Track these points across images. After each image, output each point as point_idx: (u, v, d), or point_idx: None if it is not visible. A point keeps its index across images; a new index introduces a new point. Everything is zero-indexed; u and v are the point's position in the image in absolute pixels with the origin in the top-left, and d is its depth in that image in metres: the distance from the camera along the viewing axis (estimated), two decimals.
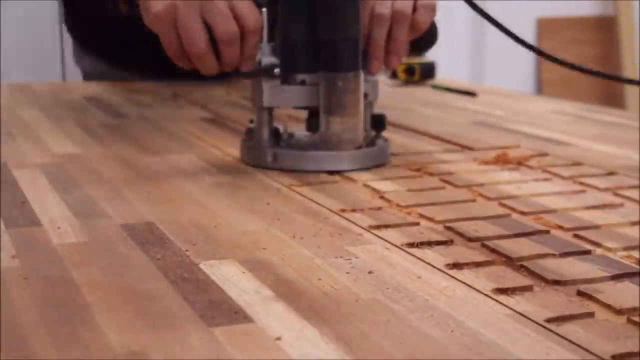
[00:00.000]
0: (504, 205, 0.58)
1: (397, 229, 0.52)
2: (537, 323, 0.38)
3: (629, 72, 2.78)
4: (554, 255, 0.47)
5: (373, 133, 0.72)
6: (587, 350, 0.36)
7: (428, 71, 1.24)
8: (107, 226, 0.52)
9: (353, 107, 0.68)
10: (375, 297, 0.41)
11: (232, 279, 0.43)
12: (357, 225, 0.53)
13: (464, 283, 0.43)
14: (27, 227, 0.52)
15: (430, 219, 0.54)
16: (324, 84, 0.68)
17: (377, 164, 0.69)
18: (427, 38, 0.92)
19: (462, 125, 0.91)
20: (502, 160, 0.71)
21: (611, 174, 0.68)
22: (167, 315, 0.38)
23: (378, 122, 0.71)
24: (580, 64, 0.67)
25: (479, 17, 0.69)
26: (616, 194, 0.61)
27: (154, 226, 0.52)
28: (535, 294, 0.42)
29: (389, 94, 1.17)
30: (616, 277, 0.44)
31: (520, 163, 0.71)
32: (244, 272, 0.44)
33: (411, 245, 0.49)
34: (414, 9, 0.74)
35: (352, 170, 0.67)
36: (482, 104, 1.06)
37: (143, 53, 0.92)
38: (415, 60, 1.24)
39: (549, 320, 0.38)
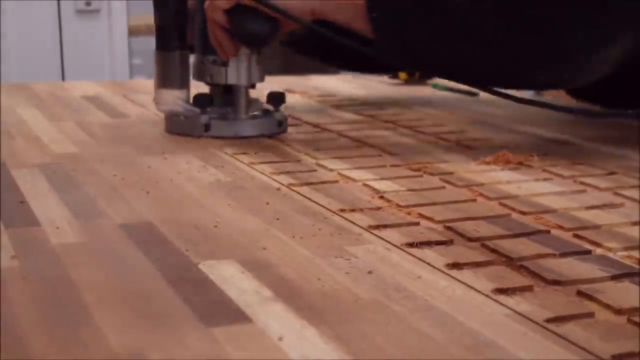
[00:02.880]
0: (504, 205, 0.58)
1: (396, 228, 0.52)
2: (537, 323, 0.38)
3: None
4: (554, 255, 0.47)
5: (270, 107, 0.84)
6: (587, 350, 0.35)
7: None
8: (106, 226, 0.52)
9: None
10: (374, 297, 0.41)
11: (232, 279, 0.43)
12: (356, 225, 0.53)
13: (464, 283, 0.43)
14: (26, 227, 0.52)
15: (430, 219, 0.54)
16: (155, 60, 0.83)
17: (269, 132, 0.82)
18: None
19: (462, 125, 0.91)
20: (502, 160, 0.71)
21: (611, 173, 0.68)
22: (166, 316, 0.38)
23: (274, 99, 0.84)
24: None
25: None
26: (616, 194, 0.61)
27: (153, 226, 0.52)
28: (535, 294, 0.42)
29: (389, 94, 1.17)
30: (616, 277, 0.44)
31: (520, 163, 0.71)
32: (243, 272, 0.44)
33: (411, 245, 0.49)
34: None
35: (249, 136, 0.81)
36: (483, 104, 1.06)
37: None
38: None
39: (548, 320, 0.38)
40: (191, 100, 0.82)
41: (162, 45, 0.82)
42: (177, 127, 0.82)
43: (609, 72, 0.77)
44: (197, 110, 0.81)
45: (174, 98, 0.82)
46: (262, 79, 0.84)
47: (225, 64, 0.81)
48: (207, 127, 0.81)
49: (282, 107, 0.84)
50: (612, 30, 0.71)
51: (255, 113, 0.83)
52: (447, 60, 0.74)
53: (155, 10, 0.82)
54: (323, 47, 0.94)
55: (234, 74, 0.81)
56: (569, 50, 0.72)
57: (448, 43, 0.72)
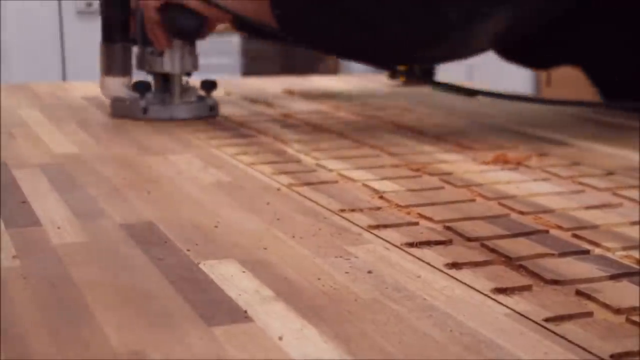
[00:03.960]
0: (503, 205, 0.58)
1: (396, 228, 0.52)
2: (536, 322, 0.38)
3: None
4: (552, 255, 0.47)
5: (202, 93, 0.95)
6: (585, 349, 0.36)
7: (428, 71, 1.25)
8: (107, 226, 0.52)
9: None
10: (374, 297, 0.41)
11: (232, 278, 0.43)
12: (356, 225, 0.53)
13: (463, 283, 0.43)
14: (28, 227, 0.52)
15: (430, 219, 0.54)
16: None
17: (201, 115, 0.93)
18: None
19: (461, 125, 0.91)
20: (501, 160, 0.71)
21: (610, 174, 0.68)
22: (166, 315, 0.39)
23: (206, 86, 0.95)
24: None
25: None
26: (615, 194, 0.61)
27: (154, 226, 0.52)
28: (534, 294, 0.42)
29: (388, 94, 1.17)
30: (615, 277, 0.44)
31: (519, 163, 0.71)
32: (243, 272, 0.44)
33: (410, 245, 0.49)
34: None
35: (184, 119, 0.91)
36: (482, 104, 1.06)
37: None
38: None
39: (547, 320, 0.39)
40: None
41: (108, 38, 0.93)
42: (120, 110, 0.92)
43: (491, 45, 0.91)
44: (137, 95, 0.91)
45: (117, 85, 0.93)
46: (195, 68, 0.94)
47: (161, 55, 0.91)
48: (145, 110, 0.90)
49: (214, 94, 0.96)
50: (482, 7, 0.81)
51: (191, 99, 0.93)
52: (340, 43, 0.87)
53: (101, 6, 0.93)
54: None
55: (169, 63, 0.92)
56: (443, 29, 0.82)
57: (339, 28, 0.85)
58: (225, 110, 0.97)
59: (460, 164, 0.71)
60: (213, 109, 0.94)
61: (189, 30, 0.90)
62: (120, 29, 0.92)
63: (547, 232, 0.52)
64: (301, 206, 0.57)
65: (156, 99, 0.92)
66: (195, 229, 0.52)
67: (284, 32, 0.86)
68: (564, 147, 0.79)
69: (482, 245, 0.49)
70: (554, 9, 0.87)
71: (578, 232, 0.52)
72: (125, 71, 0.93)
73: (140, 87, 0.91)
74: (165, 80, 0.93)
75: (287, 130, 0.86)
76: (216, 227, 0.52)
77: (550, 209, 0.57)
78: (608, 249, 0.49)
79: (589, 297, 0.41)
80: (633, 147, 0.78)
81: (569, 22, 0.92)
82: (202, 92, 0.95)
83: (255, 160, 0.71)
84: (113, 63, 0.92)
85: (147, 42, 0.92)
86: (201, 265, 0.45)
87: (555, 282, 0.43)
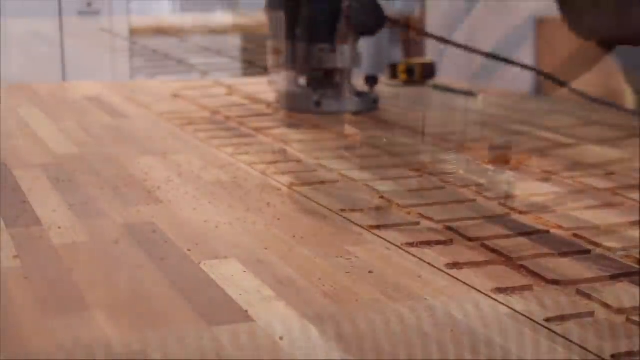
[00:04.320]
0: (503, 205, 0.58)
1: (397, 228, 0.52)
2: (537, 322, 0.38)
3: None
4: (553, 255, 0.47)
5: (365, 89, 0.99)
6: (586, 349, 0.36)
7: (428, 71, 1.25)
8: (107, 226, 0.52)
9: None
10: (375, 297, 0.41)
11: (233, 278, 0.43)
12: (357, 225, 0.53)
13: (464, 283, 0.43)
14: (28, 227, 0.52)
15: (430, 219, 0.54)
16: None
17: (367, 109, 0.96)
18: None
19: (462, 125, 0.91)
20: (501, 160, 0.71)
21: (610, 174, 0.68)
22: (167, 315, 0.39)
23: (369, 80, 0.99)
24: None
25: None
26: (616, 194, 0.61)
27: (155, 226, 0.52)
28: (535, 294, 0.42)
29: (389, 94, 1.17)
30: (615, 277, 0.44)
31: (520, 163, 0.71)
32: (244, 272, 0.44)
33: (411, 245, 0.49)
34: None
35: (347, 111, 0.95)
36: (482, 104, 1.06)
37: None
38: (415, 60, 1.24)
39: (548, 320, 0.39)
40: (301, 82, 0.99)
41: (277, 35, 0.98)
42: (290, 103, 0.97)
43: None
44: (310, 89, 0.97)
45: (287, 79, 0.99)
46: (359, 65, 0.98)
47: (333, 51, 0.95)
48: (318, 103, 0.94)
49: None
50: None
51: (352, 94, 0.98)
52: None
53: (269, 7, 1.00)
54: None
55: (341, 59, 0.96)
56: None
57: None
58: (225, 110, 0.97)
59: (461, 163, 0.71)
60: (375, 102, 0.98)
61: (373, 26, 0.94)
62: (289, 27, 0.97)
63: (547, 232, 0.52)
64: (302, 206, 0.57)
65: (325, 93, 0.96)
66: (195, 229, 0.52)
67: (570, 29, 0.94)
68: (565, 147, 0.79)
69: (483, 245, 0.49)
70: None
71: (578, 232, 0.52)
72: (294, 67, 0.99)
73: (315, 82, 0.97)
74: (327, 76, 0.98)
75: (288, 130, 0.86)
76: (217, 227, 0.52)
77: (551, 209, 0.57)
78: (609, 249, 0.49)
79: (589, 297, 0.41)
80: (634, 147, 0.78)
81: None
82: (362, 88, 1.00)
83: (256, 160, 0.71)
84: (282, 59, 0.98)
85: (314, 39, 0.96)
86: (202, 265, 0.45)
87: (556, 282, 0.43)
